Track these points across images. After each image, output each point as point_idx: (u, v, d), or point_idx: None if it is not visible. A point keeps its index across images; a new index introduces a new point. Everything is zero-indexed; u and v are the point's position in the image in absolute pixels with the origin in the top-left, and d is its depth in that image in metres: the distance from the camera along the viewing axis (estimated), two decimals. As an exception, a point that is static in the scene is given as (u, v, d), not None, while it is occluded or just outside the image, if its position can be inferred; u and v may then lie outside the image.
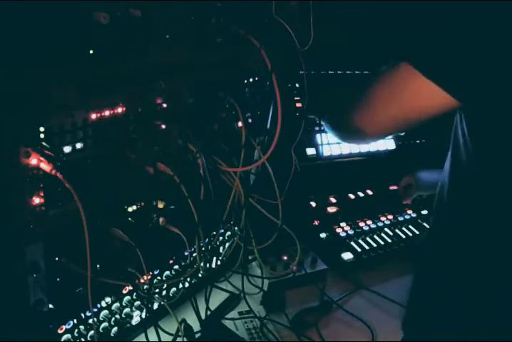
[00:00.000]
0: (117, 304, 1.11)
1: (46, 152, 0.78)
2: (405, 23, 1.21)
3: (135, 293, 1.13)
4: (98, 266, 0.95)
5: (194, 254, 1.16)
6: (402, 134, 1.89)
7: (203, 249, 1.19)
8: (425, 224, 1.81)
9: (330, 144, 1.72)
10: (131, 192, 1.02)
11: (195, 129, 1.07)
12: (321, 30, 1.25)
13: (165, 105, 1.02)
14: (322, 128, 1.72)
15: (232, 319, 1.30)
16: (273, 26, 1.14)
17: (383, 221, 1.77)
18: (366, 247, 1.62)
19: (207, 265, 1.31)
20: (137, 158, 0.98)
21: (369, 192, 1.84)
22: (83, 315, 1.02)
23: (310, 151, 1.69)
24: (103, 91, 0.86)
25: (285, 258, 1.45)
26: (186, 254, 1.23)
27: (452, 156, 1.06)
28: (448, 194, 1.07)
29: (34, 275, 0.86)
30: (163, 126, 1.03)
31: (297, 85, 1.69)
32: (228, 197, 1.22)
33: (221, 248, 1.41)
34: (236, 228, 1.29)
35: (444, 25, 0.94)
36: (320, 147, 1.68)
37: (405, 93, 0.98)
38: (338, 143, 1.75)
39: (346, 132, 1.21)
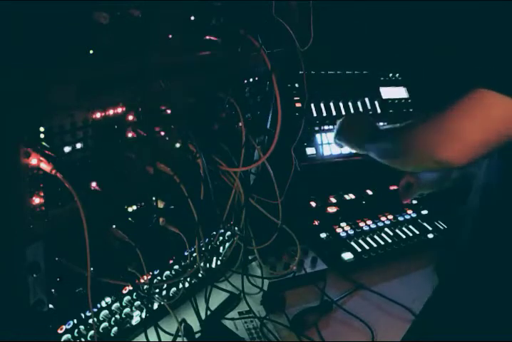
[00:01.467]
0: (117, 304, 1.11)
1: (46, 152, 0.78)
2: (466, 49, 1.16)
3: (135, 293, 1.13)
4: (98, 266, 0.95)
5: (194, 254, 1.16)
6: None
7: (203, 249, 1.19)
8: (425, 224, 1.81)
9: (330, 144, 1.72)
10: (131, 192, 1.02)
11: (195, 129, 1.07)
12: (321, 31, 1.25)
13: (165, 105, 1.02)
14: (322, 128, 1.73)
15: (232, 319, 1.30)
16: (273, 26, 1.14)
17: (383, 221, 1.77)
18: (366, 247, 1.62)
19: (207, 265, 1.31)
20: (137, 158, 0.98)
21: (369, 192, 1.84)
22: (83, 315, 1.02)
23: (310, 151, 1.69)
24: (102, 91, 0.86)
25: (285, 258, 1.45)
26: (186, 254, 1.23)
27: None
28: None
29: (34, 275, 0.86)
30: (163, 126, 1.03)
31: (297, 85, 1.69)
32: (228, 197, 1.22)
33: (221, 248, 1.41)
34: (236, 228, 1.29)
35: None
36: (320, 147, 1.69)
37: (493, 117, 0.94)
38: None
39: (420, 162, 1.11)
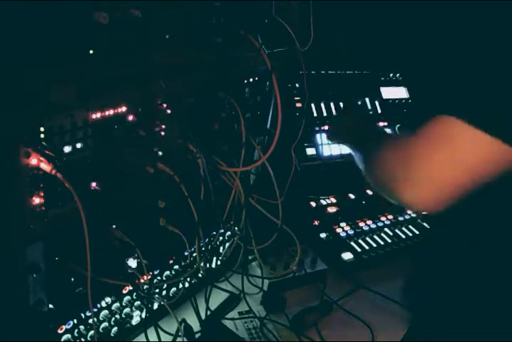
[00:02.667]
0: (117, 304, 1.11)
1: (46, 152, 0.78)
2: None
3: (135, 293, 1.13)
4: (98, 266, 0.95)
5: (194, 254, 1.16)
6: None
7: (203, 249, 1.19)
8: (425, 224, 1.81)
9: (330, 145, 1.72)
10: (131, 192, 1.02)
11: (195, 129, 1.07)
12: (321, 31, 1.25)
13: (165, 105, 1.02)
14: (322, 128, 1.73)
15: (232, 319, 1.30)
16: (273, 26, 1.14)
17: (383, 221, 1.77)
18: (366, 247, 1.62)
19: (207, 265, 1.31)
20: (137, 158, 0.99)
21: (369, 192, 1.84)
22: (83, 315, 1.02)
23: (310, 151, 1.69)
24: (102, 91, 0.86)
25: (285, 258, 1.45)
26: (186, 254, 1.23)
27: None
28: None
29: (34, 275, 0.86)
30: (163, 126, 1.03)
31: (297, 85, 1.69)
32: (228, 197, 1.22)
33: (221, 248, 1.41)
34: (236, 228, 1.29)
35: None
36: (320, 147, 1.69)
37: (457, 152, 0.82)
38: (338, 143, 1.75)
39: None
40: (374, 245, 1.64)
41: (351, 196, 1.80)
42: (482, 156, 0.81)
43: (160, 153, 1.04)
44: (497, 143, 0.77)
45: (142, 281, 1.07)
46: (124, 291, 1.12)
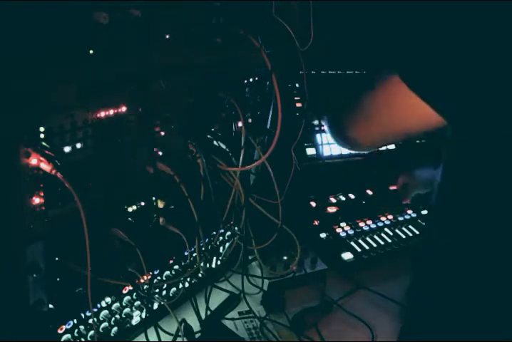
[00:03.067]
0: (117, 304, 1.11)
1: (46, 152, 0.78)
2: (399, 32, 1.20)
3: (135, 293, 1.13)
4: (98, 266, 0.95)
5: (194, 254, 1.16)
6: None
7: (203, 249, 1.19)
8: (425, 224, 1.81)
9: (330, 144, 1.72)
10: (131, 192, 1.02)
11: (195, 129, 1.07)
12: (321, 31, 1.25)
13: (165, 105, 1.02)
14: (322, 128, 1.73)
15: (232, 319, 1.30)
16: (273, 26, 1.14)
17: (383, 221, 1.77)
18: (366, 247, 1.62)
19: (207, 265, 1.31)
20: (137, 158, 0.98)
21: (369, 192, 1.84)
22: (83, 315, 1.02)
23: (310, 151, 1.69)
24: (102, 91, 0.86)
25: (285, 258, 1.45)
26: (186, 254, 1.23)
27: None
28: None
29: (34, 275, 0.86)
30: (163, 126, 1.03)
31: (297, 85, 1.69)
32: (228, 197, 1.22)
33: (221, 248, 1.41)
34: (236, 228, 1.29)
35: (440, 38, 0.96)
36: (320, 147, 1.68)
37: (392, 106, 0.98)
38: (338, 143, 1.75)
39: (342, 139, 1.22)
40: (374, 245, 1.64)
41: (351, 196, 1.80)
42: (410, 118, 0.96)
43: (160, 153, 1.04)
44: (426, 109, 0.90)
45: (142, 281, 1.07)
46: (124, 291, 1.12)
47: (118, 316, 1.11)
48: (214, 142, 1.16)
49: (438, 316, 1.09)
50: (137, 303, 1.15)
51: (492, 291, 1.01)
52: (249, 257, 1.41)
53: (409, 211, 1.86)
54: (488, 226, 0.97)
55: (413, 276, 1.22)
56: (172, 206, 1.10)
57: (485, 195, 0.95)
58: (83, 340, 1.02)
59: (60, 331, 0.97)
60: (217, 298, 1.34)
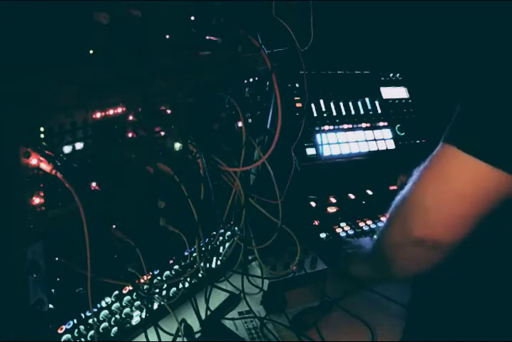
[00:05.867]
0: (117, 304, 1.11)
1: (46, 152, 0.78)
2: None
3: (135, 293, 1.13)
4: (98, 266, 0.95)
5: (194, 254, 1.16)
6: (402, 134, 1.89)
7: (203, 249, 1.19)
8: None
9: (330, 145, 1.72)
10: (131, 192, 1.02)
11: (195, 129, 1.07)
12: (321, 31, 1.25)
13: (165, 105, 1.02)
14: (322, 128, 1.73)
15: (232, 319, 1.30)
16: (273, 26, 1.14)
17: (383, 222, 1.76)
18: (366, 247, 1.62)
19: (207, 265, 1.31)
20: (137, 158, 0.98)
21: (369, 192, 1.84)
22: (83, 315, 1.02)
23: (310, 151, 1.69)
24: (102, 91, 0.86)
25: (285, 258, 1.45)
26: (186, 254, 1.23)
27: None
28: None
29: (34, 275, 0.86)
30: (163, 126, 1.03)
31: (297, 85, 1.69)
32: (228, 197, 1.22)
33: (221, 248, 1.41)
34: (236, 228, 1.29)
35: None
36: (320, 147, 1.69)
37: (458, 181, 0.84)
38: (338, 143, 1.75)
39: (403, 247, 1.00)
40: (374, 245, 1.64)
41: (351, 196, 1.80)
42: (477, 183, 0.82)
43: (160, 153, 1.04)
44: (490, 168, 0.79)
45: (142, 281, 1.07)
46: (124, 291, 1.12)
47: (118, 316, 1.11)
48: (214, 142, 1.16)
49: (441, 316, 1.09)
50: (137, 303, 1.15)
51: (494, 293, 1.01)
52: (249, 257, 1.41)
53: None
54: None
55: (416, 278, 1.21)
56: (172, 207, 1.10)
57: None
58: (83, 340, 1.02)
59: (60, 331, 0.97)
60: (217, 298, 1.34)
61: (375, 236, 1.58)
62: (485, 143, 0.80)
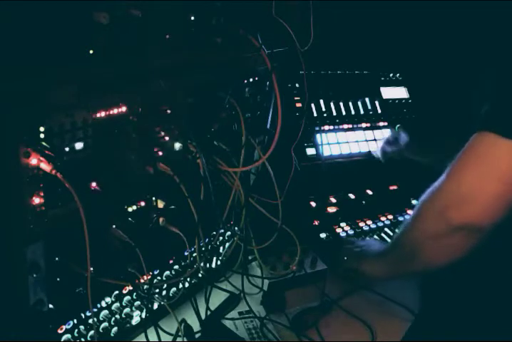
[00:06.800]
0: (117, 304, 1.11)
1: (46, 152, 0.78)
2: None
3: (135, 293, 1.13)
4: (98, 266, 0.95)
5: (194, 254, 1.16)
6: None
7: (203, 249, 1.19)
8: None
9: (330, 145, 1.72)
10: (131, 192, 1.02)
11: (195, 129, 1.07)
12: (321, 31, 1.25)
13: (165, 105, 1.02)
14: (322, 128, 1.73)
15: (232, 319, 1.30)
16: (273, 26, 1.14)
17: (383, 221, 1.77)
18: (366, 247, 1.62)
19: (207, 265, 1.31)
20: (137, 158, 0.98)
21: (369, 192, 1.84)
22: (83, 315, 1.02)
23: (310, 151, 1.69)
24: (103, 91, 0.86)
25: (285, 258, 1.45)
26: (186, 254, 1.23)
27: None
28: None
29: (34, 275, 0.86)
30: (163, 126, 1.03)
31: (297, 85, 1.69)
32: (228, 197, 1.22)
33: (221, 248, 1.41)
34: (236, 228, 1.29)
35: None
36: (320, 147, 1.69)
37: (501, 166, 0.86)
38: (338, 143, 1.75)
39: (443, 236, 1.00)
40: (374, 245, 1.64)
41: (351, 196, 1.80)
42: None
43: (160, 153, 1.04)
44: None
45: (142, 281, 1.07)
46: (124, 291, 1.12)
47: (118, 316, 1.11)
48: (215, 142, 1.16)
49: (447, 318, 1.09)
50: (137, 303, 1.15)
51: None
52: (249, 257, 1.41)
53: (409, 212, 1.86)
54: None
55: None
56: (172, 206, 1.10)
57: None
58: (83, 340, 1.02)
59: (60, 331, 0.97)
60: (217, 298, 1.34)
61: (396, 232, 1.59)
62: None
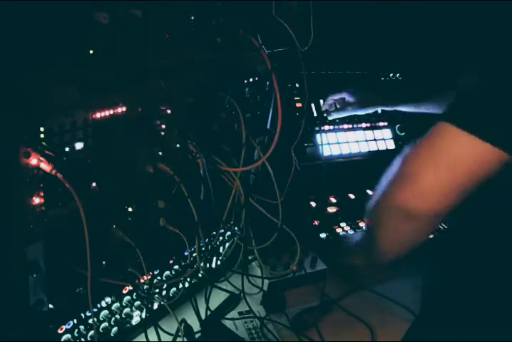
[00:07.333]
0: (117, 304, 1.11)
1: (46, 152, 0.78)
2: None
3: (135, 293, 1.13)
4: (98, 266, 0.95)
5: (194, 254, 1.16)
6: (402, 134, 1.89)
7: (203, 249, 1.19)
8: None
9: (330, 145, 1.72)
10: (131, 192, 1.02)
11: (195, 129, 1.07)
12: (321, 31, 1.25)
13: (165, 105, 1.02)
14: (322, 128, 1.73)
15: (232, 319, 1.30)
16: (273, 26, 1.14)
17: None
18: (366, 247, 1.62)
19: (207, 265, 1.31)
20: (137, 158, 0.98)
21: (369, 192, 1.83)
22: (83, 315, 1.02)
23: (310, 151, 1.68)
24: (103, 91, 0.86)
25: (285, 258, 1.45)
26: (186, 254, 1.23)
27: None
28: None
29: (34, 275, 0.86)
30: (163, 126, 1.03)
31: (297, 85, 1.69)
32: (228, 197, 1.22)
33: (221, 248, 1.41)
34: (236, 228, 1.29)
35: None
36: (320, 147, 1.68)
37: (452, 155, 0.86)
38: (338, 143, 1.75)
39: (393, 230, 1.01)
40: (374, 245, 1.64)
41: (351, 196, 1.80)
42: (476, 157, 0.84)
43: (160, 153, 1.04)
44: (487, 145, 0.81)
45: (142, 281, 1.07)
46: (124, 291, 1.12)
47: (118, 316, 1.11)
48: (214, 142, 1.16)
49: (444, 316, 1.09)
50: (137, 303, 1.15)
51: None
52: (249, 257, 1.41)
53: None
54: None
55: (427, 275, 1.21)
56: (172, 207, 1.10)
57: None
58: (83, 340, 1.02)
59: (60, 331, 0.97)
60: (217, 298, 1.34)
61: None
62: (486, 122, 0.83)
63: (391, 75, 1.96)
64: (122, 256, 1.03)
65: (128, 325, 1.16)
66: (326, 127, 1.74)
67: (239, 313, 1.34)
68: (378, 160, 1.80)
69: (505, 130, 0.82)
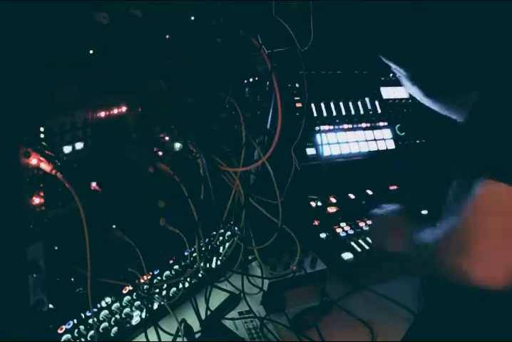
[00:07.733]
0: (117, 304, 1.11)
1: (46, 152, 0.78)
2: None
3: (135, 293, 1.13)
4: (98, 266, 0.95)
5: (194, 254, 1.16)
6: (402, 134, 1.89)
7: (203, 249, 1.19)
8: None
9: (330, 145, 1.72)
10: (131, 192, 1.02)
11: (195, 129, 1.07)
12: (321, 31, 1.25)
13: (165, 105, 1.02)
14: (322, 128, 1.73)
15: (232, 319, 1.30)
16: (273, 26, 1.14)
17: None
18: (366, 247, 1.62)
19: (207, 265, 1.31)
20: (137, 158, 0.98)
21: (369, 192, 1.83)
22: (83, 315, 1.02)
23: (310, 151, 1.68)
24: (103, 91, 0.86)
25: (285, 258, 1.45)
26: (186, 254, 1.23)
27: None
28: None
29: (34, 275, 0.86)
30: (163, 126, 1.03)
31: (297, 85, 1.69)
32: (228, 197, 1.22)
33: (221, 248, 1.41)
34: (236, 228, 1.29)
35: None
36: (320, 147, 1.68)
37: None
38: (338, 143, 1.75)
39: None
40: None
41: (351, 196, 1.80)
42: None
43: (160, 153, 1.04)
44: None
45: (142, 281, 1.07)
46: (124, 291, 1.12)
47: (118, 316, 1.11)
48: (214, 142, 1.16)
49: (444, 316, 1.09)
50: (137, 303, 1.15)
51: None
52: (249, 257, 1.41)
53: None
54: None
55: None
56: (172, 207, 1.10)
57: None
58: (83, 340, 1.02)
59: (60, 331, 0.97)
60: (217, 298, 1.34)
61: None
62: None
63: (391, 75, 1.96)
64: (122, 256, 1.03)
65: (128, 325, 1.16)
66: (326, 127, 1.74)
67: (239, 313, 1.34)
68: (378, 160, 1.81)
69: None
